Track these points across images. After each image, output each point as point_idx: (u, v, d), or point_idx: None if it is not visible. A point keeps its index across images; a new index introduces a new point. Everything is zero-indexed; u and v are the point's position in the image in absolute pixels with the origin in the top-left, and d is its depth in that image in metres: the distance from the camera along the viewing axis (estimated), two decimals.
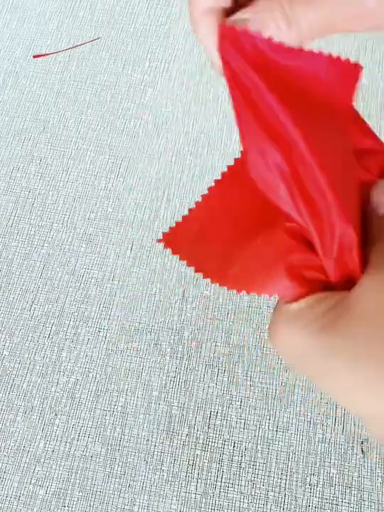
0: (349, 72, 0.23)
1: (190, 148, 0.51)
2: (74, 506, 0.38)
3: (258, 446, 0.40)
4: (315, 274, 0.21)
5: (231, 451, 0.40)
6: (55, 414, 0.41)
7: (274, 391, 0.42)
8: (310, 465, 0.39)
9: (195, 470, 0.39)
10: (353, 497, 0.38)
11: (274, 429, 0.40)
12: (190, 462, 0.39)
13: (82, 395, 0.42)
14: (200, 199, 0.23)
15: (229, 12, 0.24)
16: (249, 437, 0.40)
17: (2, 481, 0.39)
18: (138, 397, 0.42)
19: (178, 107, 0.54)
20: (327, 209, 0.21)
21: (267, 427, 0.40)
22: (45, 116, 0.54)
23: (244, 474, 0.39)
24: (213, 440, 0.40)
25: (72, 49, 0.58)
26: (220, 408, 0.41)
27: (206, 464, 0.39)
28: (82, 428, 0.41)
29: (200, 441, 0.40)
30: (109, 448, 0.40)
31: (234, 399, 0.41)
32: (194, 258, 0.24)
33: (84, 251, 0.47)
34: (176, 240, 0.24)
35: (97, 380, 0.42)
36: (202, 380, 0.42)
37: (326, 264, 0.21)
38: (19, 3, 0.60)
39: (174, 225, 0.23)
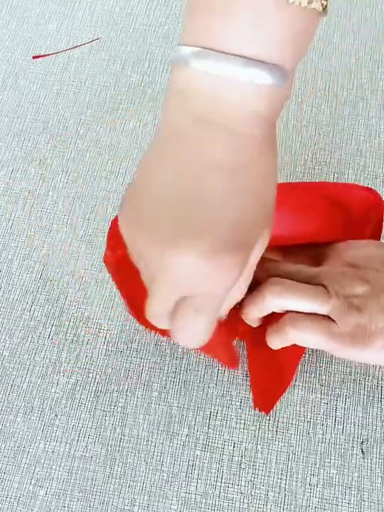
0: None
1: None
2: (74, 506, 0.38)
3: (258, 446, 0.40)
4: None
5: (231, 451, 0.40)
6: (55, 415, 0.41)
7: None
8: (310, 465, 0.39)
9: (195, 470, 0.39)
10: (353, 497, 0.38)
11: (274, 429, 0.40)
12: (190, 462, 0.40)
13: (82, 395, 0.42)
14: None
15: None
16: (249, 437, 0.40)
17: (2, 481, 0.39)
18: (138, 397, 0.42)
19: None
20: None
21: (266, 427, 0.40)
22: (44, 116, 0.54)
23: (244, 474, 0.39)
24: (213, 440, 0.40)
25: (71, 50, 0.58)
26: (219, 408, 0.41)
27: (206, 464, 0.39)
28: (82, 429, 0.41)
29: (200, 442, 0.40)
30: (109, 448, 0.40)
31: (234, 399, 0.41)
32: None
33: (84, 251, 0.47)
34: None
35: (96, 381, 0.42)
36: (202, 380, 0.42)
37: None
38: (19, 3, 0.61)
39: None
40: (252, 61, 0.27)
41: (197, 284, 0.28)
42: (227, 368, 0.41)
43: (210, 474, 0.39)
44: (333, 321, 0.35)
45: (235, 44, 0.27)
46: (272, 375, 0.40)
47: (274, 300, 0.36)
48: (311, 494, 0.38)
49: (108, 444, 0.40)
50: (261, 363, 0.41)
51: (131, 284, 0.41)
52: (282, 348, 0.38)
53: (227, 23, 0.27)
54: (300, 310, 0.36)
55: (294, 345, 0.37)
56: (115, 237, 0.41)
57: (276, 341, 0.37)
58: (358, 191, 0.43)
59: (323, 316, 0.36)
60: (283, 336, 0.36)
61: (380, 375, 0.42)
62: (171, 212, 0.28)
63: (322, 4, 0.27)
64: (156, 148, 0.31)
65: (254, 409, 0.40)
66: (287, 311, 0.37)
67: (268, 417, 0.41)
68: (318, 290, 0.36)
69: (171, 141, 0.30)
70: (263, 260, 0.39)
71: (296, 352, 0.39)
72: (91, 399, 0.42)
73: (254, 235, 0.30)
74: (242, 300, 0.38)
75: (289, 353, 0.39)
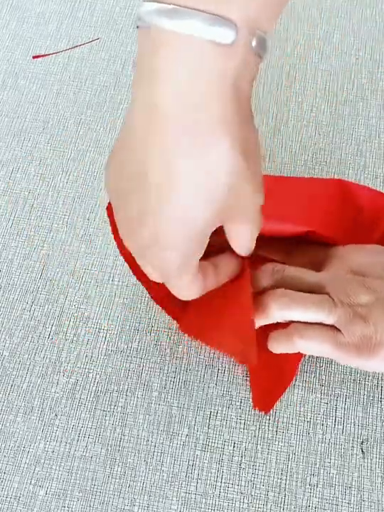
0: None
1: None
2: (74, 506, 0.38)
3: (258, 446, 0.40)
4: None
5: (231, 451, 0.40)
6: (55, 415, 0.41)
7: None
8: (310, 465, 0.39)
9: (195, 470, 0.39)
10: (353, 497, 0.38)
11: (274, 429, 0.40)
12: (190, 462, 0.40)
13: (82, 395, 0.42)
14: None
15: None
16: (249, 437, 0.40)
17: (2, 481, 0.39)
18: (138, 397, 0.42)
19: None
20: None
21: (266, 427, 0.40)
22: (44, 116, 0.54)
23: (244, 474, 0.39)
24: (213, 440, 0.40)
25: (71, 50, 0.58)
26: (220, 408, 0.41)
27: (206, 464, 0.39)
28: (82, 429, 0.41)
29: (200, 442, 0.40)
30: (109, 448, 0.40)
31: (234, 399, 0.41)
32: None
33: (84, 251, 0.47)
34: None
35: (96, 381, 0.42)
36: (202, 380, 0.42)
37: None
38: (19, 3, 0.61)
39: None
40: (212, 16, 0.25)
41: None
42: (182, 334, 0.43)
43: (210, 474, 0.39)
44: (339, 330, 0.35)
45: None
46: (272, 375, 0.40)
47: (280, 312, 0.36)
48: (311, 494, 0.38)
49: (108, 444, 0.40)
50: (261, 363, 0.41)
51: None
52: None
53: None
54: (305, 320, 0.36)
55: None
56: None
57: (280, 348, 0.37)
58: (374, 194, 0.43)
59: (328, 325, 0.36)
60: (289, 344, 0.36)
61: (380, 375, 0.42)
62: (125, 193, 0.30)
63: None
64: (125, 124, 0.31)
65: (254, 409, 0.40)
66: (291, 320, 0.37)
67: (268, 417, 0.41)
68: (323, 299, 0.36)
69: (126, 127, 0.30)
70: (268, 263, 0.39)
71: (296, 353, 0.39)
72: (91, 399, 0.42)
73: (198, 228, 0.30)
74: None
75: (289, 354, 0.39)
